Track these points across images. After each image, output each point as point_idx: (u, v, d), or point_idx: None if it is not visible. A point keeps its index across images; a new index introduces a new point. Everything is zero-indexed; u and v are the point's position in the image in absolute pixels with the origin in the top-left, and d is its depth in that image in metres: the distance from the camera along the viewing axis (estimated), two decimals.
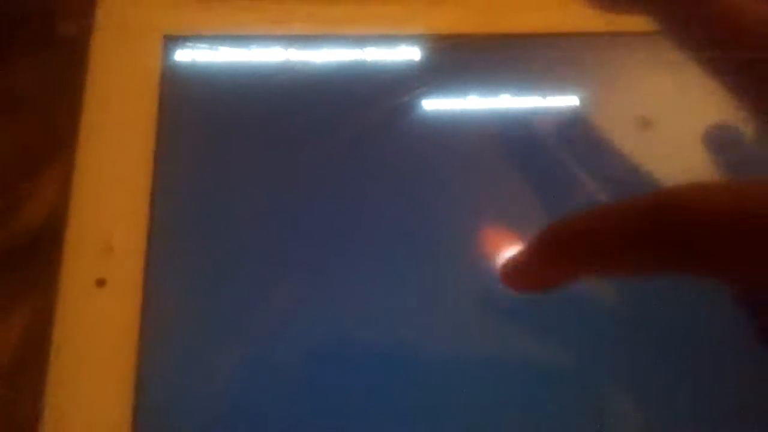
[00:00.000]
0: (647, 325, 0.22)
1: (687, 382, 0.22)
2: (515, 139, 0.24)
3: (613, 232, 0.18)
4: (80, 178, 0.23)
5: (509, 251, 0.22)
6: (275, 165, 0.24)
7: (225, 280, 0.22)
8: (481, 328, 0.22)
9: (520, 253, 0.19)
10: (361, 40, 0.25)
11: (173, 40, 0.25)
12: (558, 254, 0.18)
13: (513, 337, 0.22)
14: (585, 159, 0.24)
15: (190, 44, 0.25)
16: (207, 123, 0.24)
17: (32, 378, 0.20)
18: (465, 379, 0.22)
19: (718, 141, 0.24)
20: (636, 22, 0.24)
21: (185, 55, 0.25)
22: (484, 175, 0.24)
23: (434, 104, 0.25)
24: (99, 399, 0.21)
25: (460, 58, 0.25)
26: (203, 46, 0.25)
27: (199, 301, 0.22)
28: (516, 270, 0.19)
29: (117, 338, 0.21)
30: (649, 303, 0.22)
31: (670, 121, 0.24)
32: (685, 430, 0.22)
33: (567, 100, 0.25)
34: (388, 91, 0.25)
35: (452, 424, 0.21)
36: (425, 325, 0.22)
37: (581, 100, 0.25)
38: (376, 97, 0.25)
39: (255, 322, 0.22)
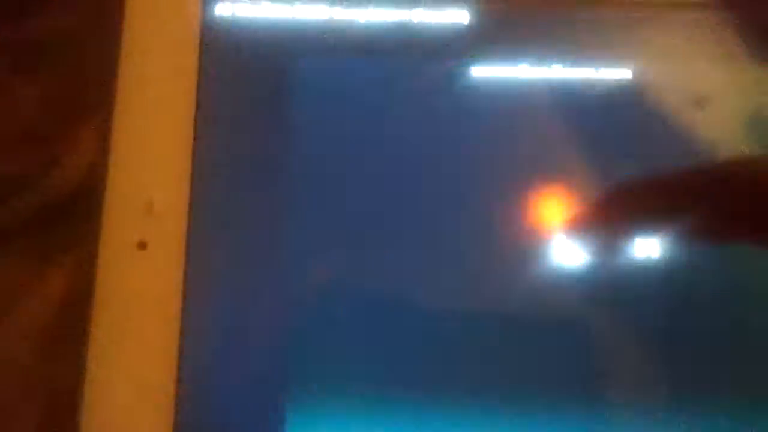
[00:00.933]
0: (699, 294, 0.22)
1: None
2: (565, 111, 0.24)
3: (682, 194, 0.17)
4: (119, 134, 0.22)
5: (557, 219, 0.22)
6: (318, 123, 0.23)
7: (270, 240, 0.22)
8: (534, 291, 0.22)
9: (587, 210, 0.19)
10: (408, 0, 0.24)
11: None
12: (623, 211, 0.18)
13: (564, 300, 0.22)
14: (635, 134, 0.23)
15: None
16: (248, 78, 0.23)
17: (73, 341, 0.20)
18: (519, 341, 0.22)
19: None
20: None
21: (225, 9, 0.24)
22: (531, 145, 0.23)
23: (483, 71, 0.24)
24: (142, 363, 0.20)
25: (511, 23, 0.24)
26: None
27: (243, 264, 0.22)
28: (582, 226, 0.19)
29: (159, 303, 0.21)
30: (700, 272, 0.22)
31: (726, 102, 0.23)
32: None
33: (620, 73, 0.24)
34: (435, 54, 0.24)
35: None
36: (479, 288, 0.22)
37: (634, 74, 0.24)
38: (422, 61, 0.24)
39: (300, 283, 0.22)
